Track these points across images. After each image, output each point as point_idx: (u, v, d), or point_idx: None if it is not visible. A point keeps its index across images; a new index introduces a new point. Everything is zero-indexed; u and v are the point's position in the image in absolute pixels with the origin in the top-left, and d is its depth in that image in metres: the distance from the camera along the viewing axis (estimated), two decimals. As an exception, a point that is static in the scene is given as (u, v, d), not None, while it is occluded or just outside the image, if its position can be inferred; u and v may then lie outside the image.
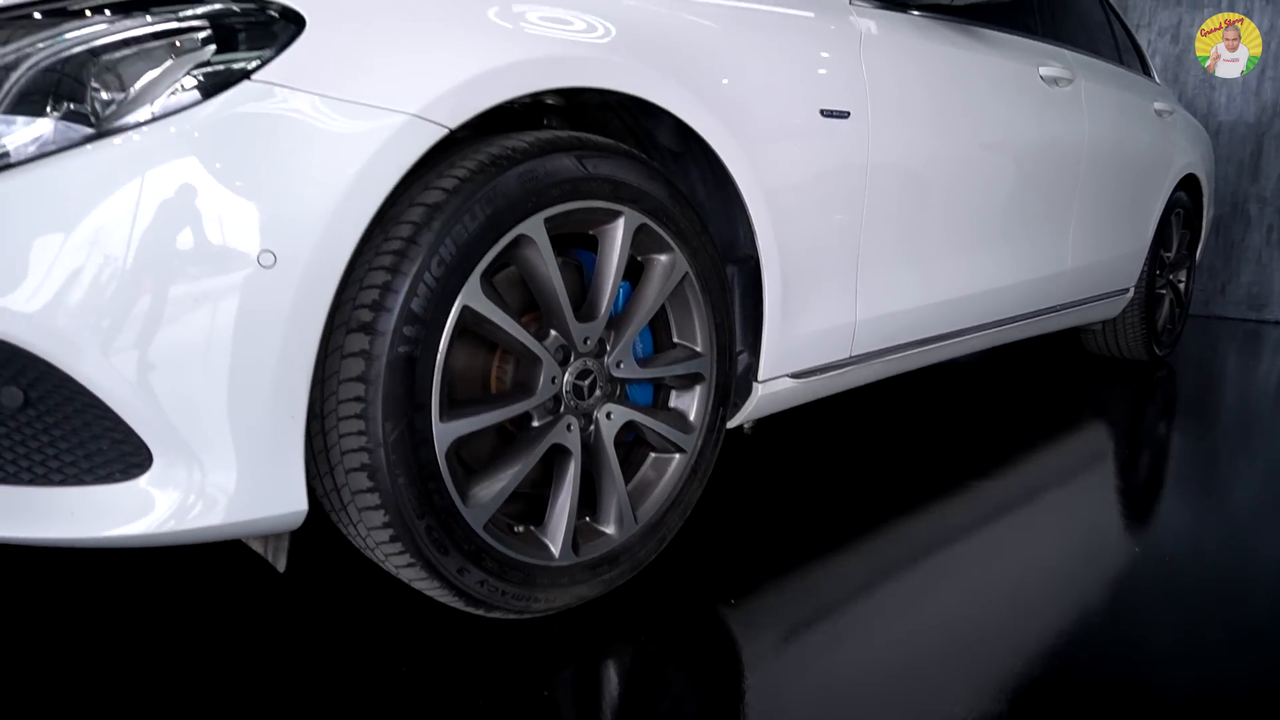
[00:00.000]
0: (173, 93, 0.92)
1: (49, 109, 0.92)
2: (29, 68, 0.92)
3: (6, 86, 0.92)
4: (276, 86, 0.94)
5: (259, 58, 0.94)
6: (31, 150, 0.91)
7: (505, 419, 1.17)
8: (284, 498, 0.98)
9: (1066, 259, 2.42)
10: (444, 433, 1.09)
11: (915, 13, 1.85)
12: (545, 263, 1.16)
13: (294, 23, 0.97)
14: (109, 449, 0.93)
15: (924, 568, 1.52)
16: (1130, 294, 2.92)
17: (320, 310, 0.96)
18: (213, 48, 0.94)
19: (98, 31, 0.93)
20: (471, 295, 1.08)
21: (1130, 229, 2.78)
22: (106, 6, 0.95)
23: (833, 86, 1.56)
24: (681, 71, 1.29)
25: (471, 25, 1.08)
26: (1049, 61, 2.27)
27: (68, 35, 0.93)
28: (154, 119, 0.91)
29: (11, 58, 0.93)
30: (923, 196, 1.80)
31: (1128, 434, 2.47)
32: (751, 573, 1.46)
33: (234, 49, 0.94)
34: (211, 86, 0.92)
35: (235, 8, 0.96)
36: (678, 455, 1.40)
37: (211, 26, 0.95)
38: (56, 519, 0.94)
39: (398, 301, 1.02)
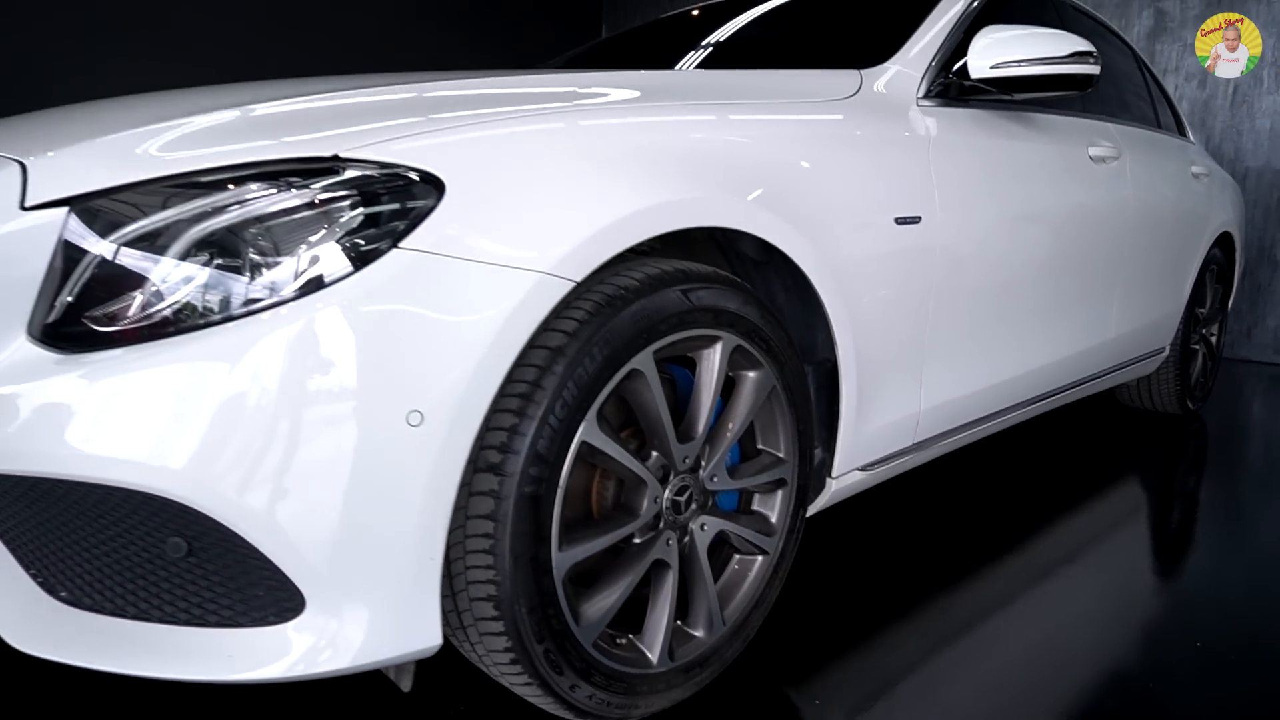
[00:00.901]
0: (326, 262, 0.98)
1: (206, 278, 0.98)
2: (184, 237, 0.99)
3: (163, 255, 0.99)
4: (423, 253, 1.00)
5: (405, 225, 1.00)
6: (190, 318, 0.97)
7: (614, 541, 1.23)
8: (421, 634, 1.04)
9: (1110, 328, 2.48)
10: (561, 561, 1.15)
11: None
12: (653, 393, 1.22)
13: (434, 187, 1.03)
14: (265, 595, 0.99)
15: (974, 635, 1.60)
16: (1166, 352, 2.97)
17: (459, 460, 1.02)
18: (361, 216, 1.00)
19: (251, 202, 0.99)
20: (589, 431, 1.14)
21: (1169, 291, 2.83)
22: (254, 177, 1.01)
23: (906, 193, 1.62)
24: (772, 199, 1.35)
25: (591, 179, 1.14)
26: (1097, 140, 2.32)
27: (222, 205, 0.99)
28: (308, 288, 0.97)
29: (166, 224, 0.99)
30: (984, 286, 1.85)
31: (1166, 492, 2.52)
32: (812, 650, 1.53)
33: (380, 217, 1.00)
34: (363, 255, 0.98)
35: (376, 174, 1.02)
36: (760, 557, 1.46)
37: (359, 195, 1.01)
38: (213, 660, 1.00)
39: (525, 444, 1.08)
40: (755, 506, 1.48)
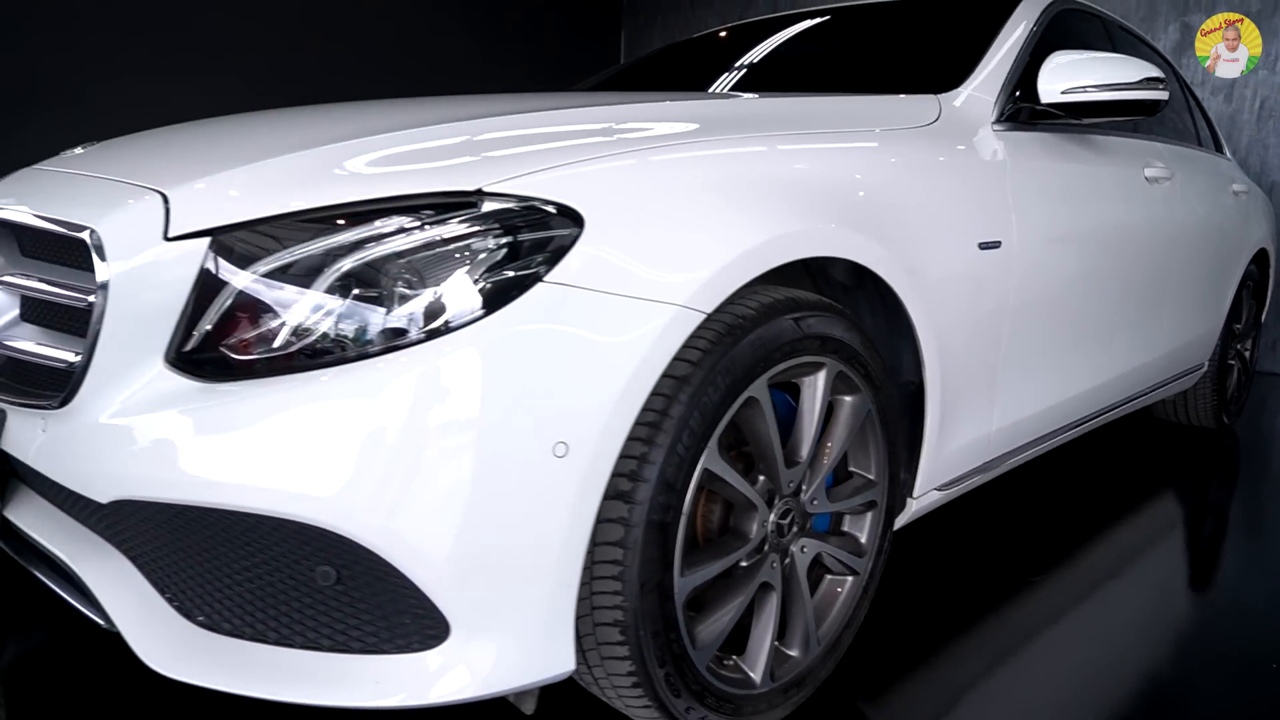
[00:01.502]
0: (470, 297, 0.99)
1: (351, 311, 1.00)
2: (327, 270, 1.00)
3: (305, 288, 1.00)
4: (565, 287, 1.02)
5: (547, 259, 1.02)
6: (335, 350, 0.98)
7: (728, 565, 1.25)
8: (556, 660, 1.06)
9: (1159, 345, 2.50)
10: (682, 586, 1.16)
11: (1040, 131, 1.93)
12: (766, 421, 1.24)
13: (573, 220, 1.05)
14: (411, 622, 1.00)
15: (1032, 647, 1.65)
16: (1204, 368, 3.00)
17: (599, 489, 1.04)
18: (505, 250, 1.02)
19: (395, 237, 1.01)
20: (710, 458, 1.16)
21: (1210, 308, 2.86)
22: (397, 210, 1.03)
23: (987, 219, 1.64)
24: (874, 227, 1.37)
25: (719, 210, 1.16)
26: (1151, 161, 2.35)
27: (366, 240, 1.01)
28: (454, 323, 0.98)
29: (308, 258, 1.01)
30: (1053, 308, 1.88)
31: (1209, 506, 2.55)
32: (883, 666, 1.57)
33: (522, 250, 1.02)
34: (508, 290, 1.00)
35: (518, 207, 1.04)
36: (851, 577, 1.48)
37: (502, 229, 1.02)
38: (358, 686, 1.01)
39: (654, 472, 1.09)
40: (846, 528, 1.50)
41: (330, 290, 1.00)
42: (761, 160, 1.27)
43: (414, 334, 0.98)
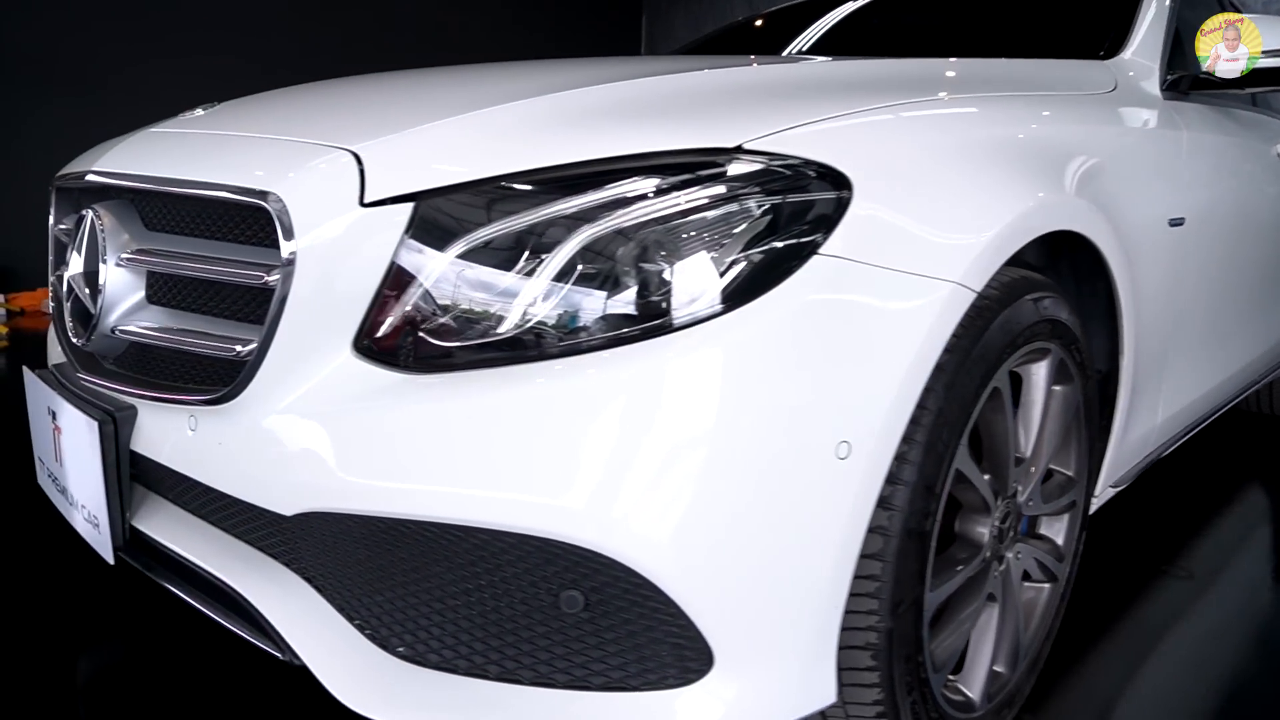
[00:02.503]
0: (742, 271, 0.84)
1: (588, 290, 0.84)
2: (564, 242, 0.85)
3: (534, 262, 0.85)
4: (842, 260, 0.87)
5: (820, 228, 0.87)
6: (582, 338, 0.83)
7: (968, 576, 1.11)
8: (819, 691, 0.92)
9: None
10: (930, 602, 1.03)
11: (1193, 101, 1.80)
12: (1006, 415, 1.10)
13: (837, 183, 0.90)
14: (668, 653, 0.85)
15: (1158, 652, 1.55)
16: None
17: (874, 494, 0.90)
18: (770, 218, 0.87)
19: (643, 202, 0.85)
20: (961, 457, 1.02)
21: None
22: (637, 170, 0.87)
23: (1175, 195, 1.51)
24: (1101, 203, 1.24)
25: (980, 176, 1.02)
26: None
27: (606, 205, 0.85)
28: (723, 303, 0.83)
29: (535, 226, 0.86)
30: (1214, 290, 1.76)
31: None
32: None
33: (791, 218, 0.87)
34: (781, 263, 0.85)
35: (779, 167, 0.89)
36: (1049, 585, 1.35)
37: (764, 193, 0.87)
38: (601, 728, 0.87)
39: (914, 474, 0.95)
40: (1043, 530, 1.37)
41: (565, 265, 0.85)
42: (996, 124, 1.13)
43: (672, 318, 0.83)
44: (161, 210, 1.10)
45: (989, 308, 1.04)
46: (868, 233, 0.89)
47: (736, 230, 0.85)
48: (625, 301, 0.84)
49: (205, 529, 1.08)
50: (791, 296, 0.84)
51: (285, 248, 0.89)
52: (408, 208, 0.88)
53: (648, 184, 0.86)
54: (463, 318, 0.87)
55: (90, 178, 1.18)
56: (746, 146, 0.88)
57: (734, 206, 0.86)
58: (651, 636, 0.85)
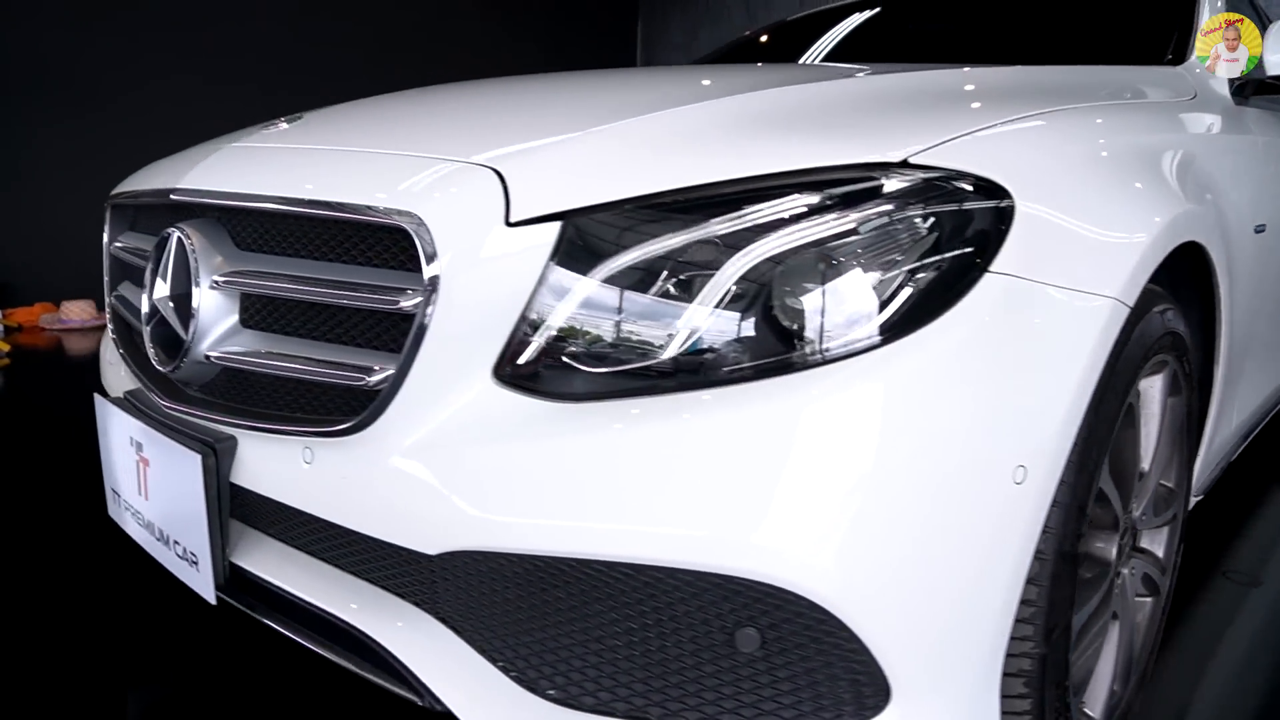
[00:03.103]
0: (914, 292, 0.81)
1: (749, 313, 0.81)
2: (726, 263, 0.81)
3: (709, 288, 0.81)
4: (1011, 278, 0.84)
5: (989, 244, 0.84)
6: (755, 365, 0.80)
7: (1102, 596, 1.09)
8: (983, 723, 0.89)
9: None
10: (1074, 625, 1.00)
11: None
12: (1136, 430, 1.08)
13: (995, 198, 0.87)
14: (845, 689, 0.82)
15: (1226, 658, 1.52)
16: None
17: (1040, 520, 0.87)
18: (936, 236, 0.84)
19: (806, 221, 0.82)
20: (1103, 476, 1.00)
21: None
22: (796, 187, 0.84)
23: (1257, 200, 1.51)
24: (1212, 213, 1.22)
25: (1124, 187, 1.00)
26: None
27: (765, 225, 0.82)
28: (899, 327, 0.80)
29: (694, 245, 0.82)
30: (1265, 298, 1.76)
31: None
32: None
33: (954, 234, 0.84)
34: (952, 283, 0.82)
35: (942, 183, 0.85)
36: (1151, 598, 1.33)
37: (928, 209, 0.84)
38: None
39: (1069, 494, 0.92)
40: (1144, 544, 1.35)
41: (729, 289, 0.81)
42: (1121, 133, 1.11)
43: (845, 344, 0.80)
44: (258, 230, 1.05)
45: (1129, 321, 1.02)
46: (1031, 248, 0.86)
47: (905, 249, 0.82)
48: (794, 327, 0.80)
49: (313, 565, 1.03)
50: (966, 317, 0.81)
51: (428, 271, 0.85)
52: (554, 227, 0.84)
53: (808, 201, 0.83)
54: (614, 343, 0.83)
55: (177, 197, 1.12)
56: (912, 160, 0.85)
57: (900, 224, 0.83)
58: (830, 673, 0.81)
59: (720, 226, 0.82)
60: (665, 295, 0.83)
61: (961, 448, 0.80)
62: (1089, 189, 0.95)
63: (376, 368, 0.90)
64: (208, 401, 1.09)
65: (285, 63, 5.15)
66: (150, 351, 1.14)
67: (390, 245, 0.90)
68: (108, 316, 1.45)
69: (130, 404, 1.18)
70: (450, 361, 0.86)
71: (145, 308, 1.16)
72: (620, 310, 0.83)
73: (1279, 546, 2.08)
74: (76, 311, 4.40)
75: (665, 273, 0.83)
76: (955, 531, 0.81)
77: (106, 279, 1.50)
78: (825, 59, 2.20)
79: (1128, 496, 1.14)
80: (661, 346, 0.82)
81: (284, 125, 1.20)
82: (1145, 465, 1.17)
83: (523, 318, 0.85)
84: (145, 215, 1.41)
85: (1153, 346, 1.07)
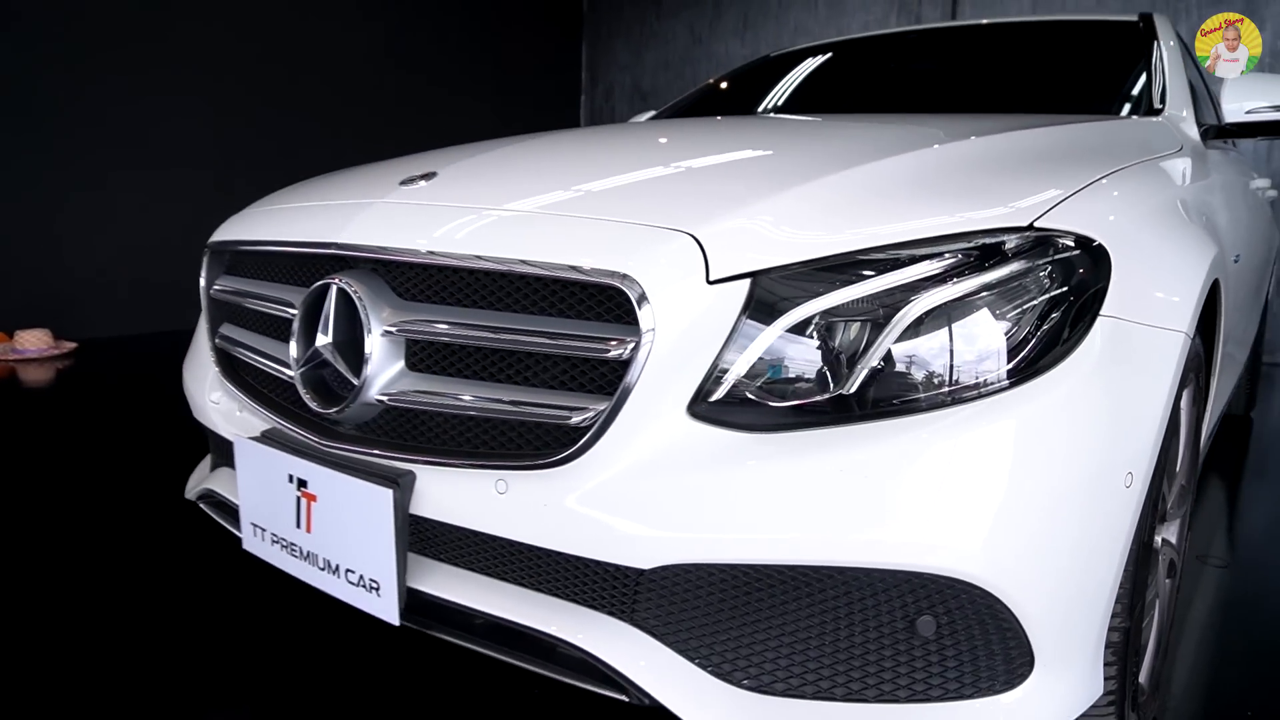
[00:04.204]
0: (1049, 334, 0.99)
1: (919, 357, 0.98)
2: (898, 316, 0.98)
3: (883, 336, 0.97)
4: (1116, 320, 1.03)
5: (1098, 292, 1.03)
6: (916, 399, 0.97)
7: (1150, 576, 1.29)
8: (1094, 688, 1.06)
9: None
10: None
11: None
12: (1177, 435, 1.29)
13: (1095, 252, 1.06)
14: (999, 661, 0.98)
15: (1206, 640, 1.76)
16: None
17: (1137, 516, 1.06)
18: (1058, 287, 1.02)
19: (957, 278, 0.99)
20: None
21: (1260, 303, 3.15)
22: (947, 249, 1.01)
23: (1235, 234, 1.76)
24: (1226, 251, 1.45)
25: (1174, 234, 1.20)
26: (1251, 174, 2.57)
27: (917, 283, 0.99)
28: (1038, 365, 0.98)
29: (864, 300, 0.98)
30: (1236, 319, 2.03)
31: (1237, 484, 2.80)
32: None
33: (1072, 285, 1.02)
34: (1074, 326, 1.00)
35: (1055, 241, 1.03)
36: (1169, 580, 1.56)
37: (1047, 264, 1.02)
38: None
39: (1151, 492, 1.12)
40: (1166, 534, 1.57)
41: (898, 332, 0.98)
42: (1159, 188, 1.32)
43: (996, 379, 0.97)
44: (420, 281, 1.15)
45: (1187, 349, 1.23)
46: (1125, 293, 1.06)
47: (1037, 301, 1.00)
48: (953, 367, 0.97)
49: (491, 584, 1.14)
50: (1089, 353, 1.00)
51: (644, 323, 0.98)
52: (745, 284, 0.99)
53: (953, 261, 1.00)
54: (794, 382, 0.99)
55: (351, 253, 1.21)
56: (1037, 225, 1.03)
57: (1029, 280, 1.01)
58: (989, 649, 0.98)
59: (883, 282, 0.99)
60: (841, 341, 0.98)
61: (1091, 461, 0.98)
62: (1155, 239, 1.15)
63: (584, 407, 1.02)
64: (384, 440, 1.18)
65: (221, 112, 5.10)
66: (306, 395, 1.22)
67: (598, 300, 1.03)
68: (213, 359, 1.51)
69: (285, 443, 1.26)
70: (651, 400, 0.99)
71: (295, 353, 1.24)
72: (799, 354, 0.99)
73: (1241, 532, 2.37)
74: (32, 341, 4.27)
75: (840, 321, 0.98)
76: (1083, 527, 0.99)
77: (206, 322, 1.56)
78: (825, 94, 2.40)
79: (1169, 493, 1.35)
80: (839, 384, 0.98)
81: (422, 184, 1.30)
82: (1177, 466, 1.39)
83: (715, 362, 0.99)
84: (249, 261, 1.48)
85: (1189, 366, 1.28)
